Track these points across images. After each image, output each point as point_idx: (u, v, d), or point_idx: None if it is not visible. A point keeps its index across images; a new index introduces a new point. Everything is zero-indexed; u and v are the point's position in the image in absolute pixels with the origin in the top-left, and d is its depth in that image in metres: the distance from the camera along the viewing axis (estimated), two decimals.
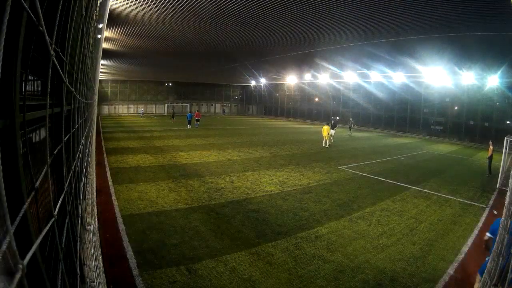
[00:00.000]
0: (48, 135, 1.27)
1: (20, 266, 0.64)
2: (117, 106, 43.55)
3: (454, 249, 5.66)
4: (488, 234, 4.01)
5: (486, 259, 3.81)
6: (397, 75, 28.09)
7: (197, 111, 32.98)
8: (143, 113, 42.59)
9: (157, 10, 11.21)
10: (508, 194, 3.63)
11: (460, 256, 5.38)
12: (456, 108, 27.13)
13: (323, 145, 18.19)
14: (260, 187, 9.05)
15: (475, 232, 6.53)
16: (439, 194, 9.30)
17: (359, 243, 5.71)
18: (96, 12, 5.07)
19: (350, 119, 30.76)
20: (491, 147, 12.87)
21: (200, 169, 11.15)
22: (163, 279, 4.31)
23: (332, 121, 21.48)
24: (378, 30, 13.50)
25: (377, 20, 11.93)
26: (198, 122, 28.02)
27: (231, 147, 16.53)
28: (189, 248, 5.21)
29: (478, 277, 4.05)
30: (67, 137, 2.07)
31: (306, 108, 43.37)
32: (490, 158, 12.79)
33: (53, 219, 1.17)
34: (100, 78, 32.56)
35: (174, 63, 28.25)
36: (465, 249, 5.68)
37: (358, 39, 15.47)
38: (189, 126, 27.13)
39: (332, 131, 19.93)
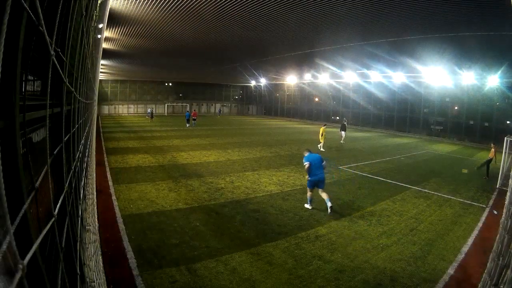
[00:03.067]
0: (48, 135, 1.27)
1: (20, 266, 0.64)
2: (117, 106, 43.54)
3: (454, 249, 5.66)
4: (306, 163, 7.16)
5: (309, 178, 7.20)
6: (397, 75, 28.09)
7: (194, 110, 33.71)
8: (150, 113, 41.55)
9: (157, 10, 11.21)
10: (508, 194, 3.64)
11: (460, 256, 5.38)
12: (456, 108, 27.13)
13: (321, 148, 16.99)
14: (260, 187, 9.05)
15: (475, 232, 6.53)
16: (439, 194, 9.30)
17: (359, 243, 5.71)
18: (96, 12, 5.07)
19: (344, 118, 30.77)
20: (493, 149, 12.60)
21: (200, 169, 11.14)
22: (163, 279, 4.31)
23: (345, 123, 21.68)
24: (378, 30, 13.50)
25: (377, 20, 11.93)
26: (195, 121, 29.25)
27: (231, 147, 16.53)
28: (189, 248, 5.21)
29: (308, 190, 7.28)
30: (67, 137, 2.07)
31: (306, 108, 43.34)
32: (489, 161, 12.48)
33: (53, 219, 1.17)
34: (100, 78, 32.56)
35: (174, 63, 28.26)
36: (465, 249, 5.68)
37: (358, 39, 15.47)
38: (187, 125, 28.05)
39: (343, 133, 20.34)
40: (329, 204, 7.04)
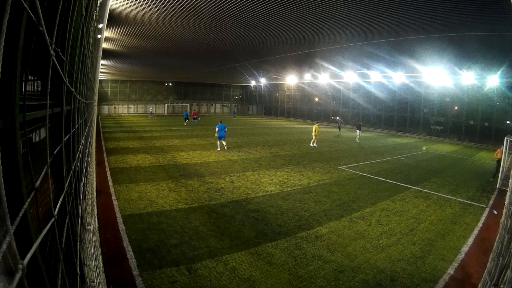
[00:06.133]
0: (48, 135, 1.27)
1: (20, 266, 0.64)
2: (117, 106, 43.53)
3: (454, 249, 5.66)
4: (216, 128, 15.19)
5: (216, 135, 15.30)
6: (397, 75, 28.07)
7: (193, 110, 34.37)
8: (151, 113, 41.98)
9: (157, 10, 11.20)
10: (508, 194, 3.64)
11: (460, 256, 5.38)
12: (456, 108, 27.12)
13: (313, 144, 18.09)
14: (260, 187, 9.05)
15: (475, 232, 6.53)
16: (439, 194, 9.30)
17: (359, 243, 5.71)
18: (96, 12, 5.07)
19: (337, 118, 30.91)
20: (499, 149, 12.42)
21: (200, 169, 11.14)
22: (163, 279, 4.31)
23: (361, 123, 23.24)
24: (378, 30, 13.49)
25: (377, 20, 11.92)
26: (195, 120, 30.56)
27: (231, 147, 16.51)
28: (189, 248, 5.21)
29: (220, 142, 15.42)
30: (67, 137, 2.07)
31: (306, 108, 43.34)
32: (499, 161, 12.37)
33: (53, 219, 1.17)
34: (100, 78, 32.57)
35: (174, 63, 28.25)
36: (465, 249, 5.68)
37: (358, 39, 15.46)
38: (185, 123, 29.24)
39: (358, 132, 21.75)
40: (225, 147, 15.13)
